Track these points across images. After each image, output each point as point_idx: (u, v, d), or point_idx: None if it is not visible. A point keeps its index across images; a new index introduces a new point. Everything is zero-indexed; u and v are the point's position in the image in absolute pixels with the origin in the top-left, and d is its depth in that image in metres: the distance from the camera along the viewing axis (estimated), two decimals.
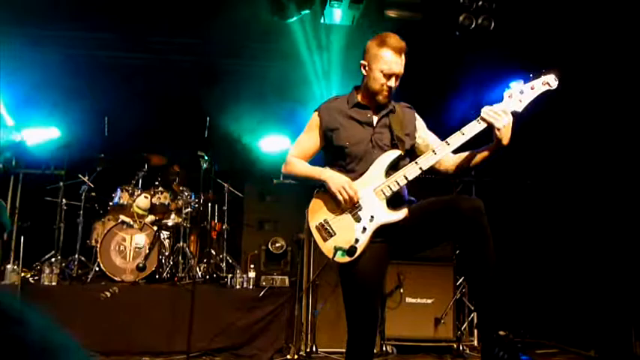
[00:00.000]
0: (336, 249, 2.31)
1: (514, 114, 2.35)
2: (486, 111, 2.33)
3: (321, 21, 5.64)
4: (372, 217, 2.35)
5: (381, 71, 2.46)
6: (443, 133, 2.67)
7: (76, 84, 6.41)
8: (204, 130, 6.01)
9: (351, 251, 2.27)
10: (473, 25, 5.36)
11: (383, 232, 2.37)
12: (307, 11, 5.27)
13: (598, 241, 5.07)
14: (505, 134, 2.33)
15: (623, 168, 4.90)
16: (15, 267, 4.82)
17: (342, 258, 2.31)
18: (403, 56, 2.48)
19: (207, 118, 5.84)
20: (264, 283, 5.02)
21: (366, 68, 2.52)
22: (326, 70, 6.21)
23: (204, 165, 5.53)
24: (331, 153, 2.59)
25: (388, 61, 2.45)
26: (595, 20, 4.89)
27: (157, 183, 5.84)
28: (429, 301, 5.07)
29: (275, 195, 5.98)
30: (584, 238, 5.22)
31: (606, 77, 5.02)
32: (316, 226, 2.45)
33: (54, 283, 4.82)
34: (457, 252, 5.27)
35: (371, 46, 2.51)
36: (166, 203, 5.69)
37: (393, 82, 2.49)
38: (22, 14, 5.43)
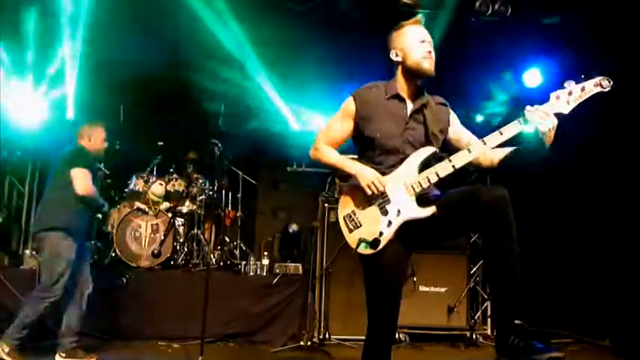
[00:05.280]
0: (360, 240, 2.31)
1: (559, 116, 2.26)
2: (530, 112, 2.26)
3: None
4: (399, 211, 2.33)
5: (415, 39, 2.48)
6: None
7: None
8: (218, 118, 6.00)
9: (374, 243, 2.27)
10: (489, 12, 5.29)
11: (408, 227, 2.35)
12: None
13: (613, 232, 5.01)
14: (548, 137, 2.26)
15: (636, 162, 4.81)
16: (33, 252, 4.90)
17: (364, 250, 2.30)
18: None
19: (222, 106, 5.83)
20: (277, 271, 5.06)
21: (398, 52, 2.51)
22: None
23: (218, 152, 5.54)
24: (361, 142, 2.56)
25: (415, 31, 2.50)
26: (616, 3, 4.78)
27: (171, 170, 5.88)
28: (443, 289, 5.07)
29: (288, 183, 5.99)
30: (599, 229, 5.16)
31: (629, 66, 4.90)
32: (344, 217, 2.45)
33: None
34: (471, 241, 5.25)
35: (393, 35, 2.55)
36: (181, 190, 5.74)
37: (430, 47, 2.48)
38: None
